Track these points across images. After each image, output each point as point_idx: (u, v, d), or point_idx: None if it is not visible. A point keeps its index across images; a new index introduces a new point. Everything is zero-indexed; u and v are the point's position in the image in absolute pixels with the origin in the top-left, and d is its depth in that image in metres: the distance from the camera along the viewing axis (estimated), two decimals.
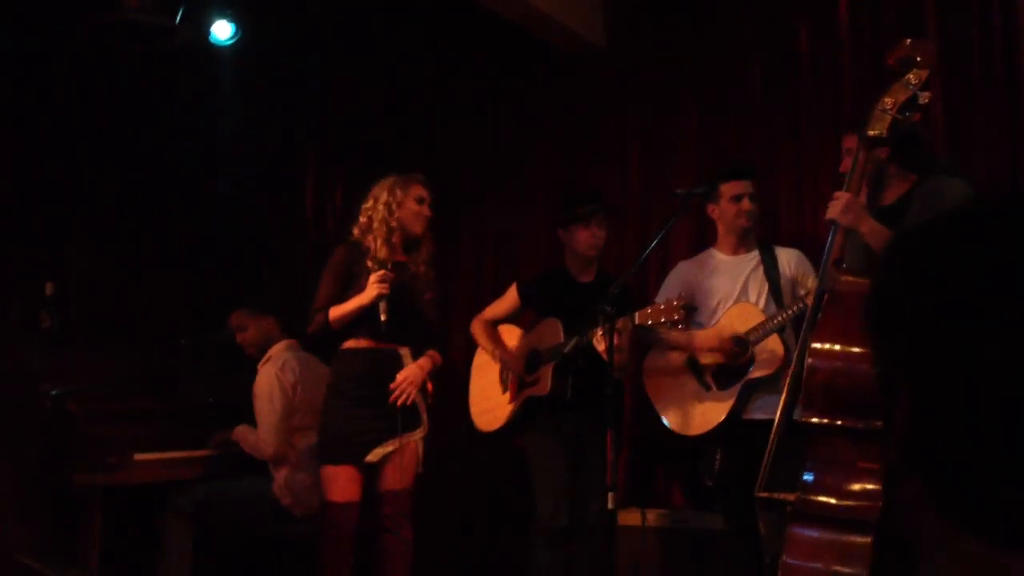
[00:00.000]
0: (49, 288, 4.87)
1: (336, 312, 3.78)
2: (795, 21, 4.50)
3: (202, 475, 4.36)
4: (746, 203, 3.84)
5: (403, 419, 3.75)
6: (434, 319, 3.95)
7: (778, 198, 4.48)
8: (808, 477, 2.53)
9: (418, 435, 3.82)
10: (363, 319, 3.77)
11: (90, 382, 4.24)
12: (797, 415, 2.64)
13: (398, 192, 3.86)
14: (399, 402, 3.72)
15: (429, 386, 3.85)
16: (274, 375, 4.27)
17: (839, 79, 4.34)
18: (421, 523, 3.96)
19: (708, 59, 4.78)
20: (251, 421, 4.32)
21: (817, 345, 2.55)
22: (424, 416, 3.84)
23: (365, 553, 3.87)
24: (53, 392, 4.04)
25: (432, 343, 3.93)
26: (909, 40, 2.86)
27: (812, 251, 4.08)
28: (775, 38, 4.58)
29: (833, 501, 2.49)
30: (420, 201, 3.89)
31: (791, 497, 2.55)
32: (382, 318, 3.66)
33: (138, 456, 4.19)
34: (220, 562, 4.43)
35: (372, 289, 3.68)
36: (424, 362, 3.84)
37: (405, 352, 3.84)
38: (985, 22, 3.98)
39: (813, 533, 2.47)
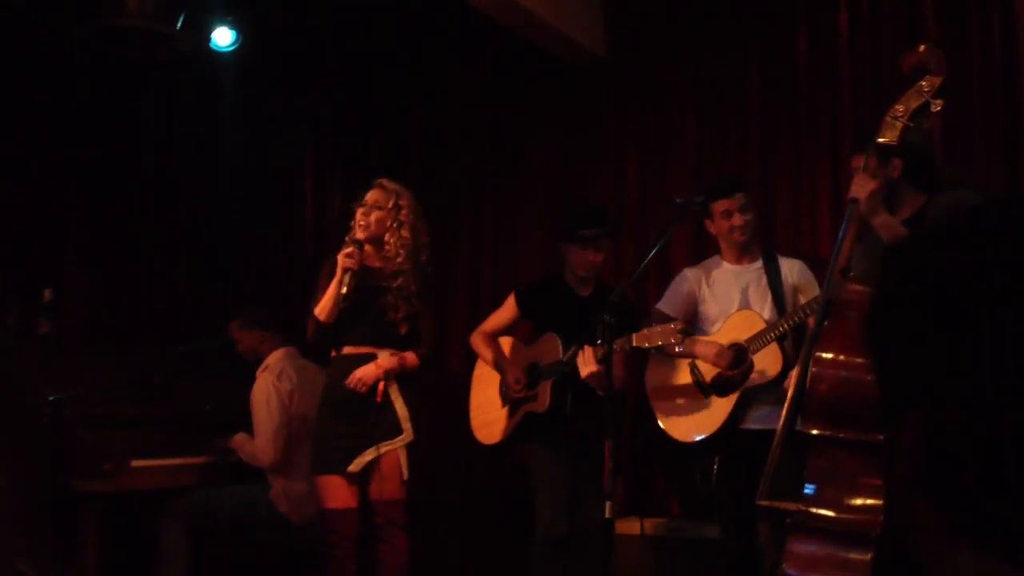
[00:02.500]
0: (47, 294, 4.87)
1: (320, 307, 3.82)
2: (795, 30, 4.51)
3: (200, 482, 4.35)
4: (737, 218, 3.83)
5: (380, 428, 3.76)
6: (410, 325, 3.85)
7: (776, 206, 4.48)
8: (809, 489, 2.51)
9: (398, 444, 3.77)
10: (345, 323, 3.80)
11: (88, 388, 4.22)
12: (799, 425, 2.62)
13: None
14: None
15: (380, 386, 3.76)
16: (271, 384, 4.27)
17: (838, 88, 4.35)
18: (420, 531, 3.95)
19: (707, 68, 4.79)
20: (248, 428, 4.32)
21: (821, 355, 2.51)
22: (407, 425, 3.79)
23: (361, 562, 3.87)
24: (51, 398, 4.01)
25: (412, 348, 3.89)
26: (923, 46, 2.82)
27: (809, 258, 4.09)
28: (774, 48, 4.59)
29: (833, 514, 2.47)
30: (361, 206, 3.90)
31: (792, 506, 2.54)
32: (342, 291, 3.72)
33: (135, 463, 4.17)
34: (217, 569, 4.42)
35: (339, 263, 3.75)
36: (385, 361, 3.79)
37: (384, 356, 3.83)
38: (984, 28, 3.99)
39: (812, 545, 2.45)
